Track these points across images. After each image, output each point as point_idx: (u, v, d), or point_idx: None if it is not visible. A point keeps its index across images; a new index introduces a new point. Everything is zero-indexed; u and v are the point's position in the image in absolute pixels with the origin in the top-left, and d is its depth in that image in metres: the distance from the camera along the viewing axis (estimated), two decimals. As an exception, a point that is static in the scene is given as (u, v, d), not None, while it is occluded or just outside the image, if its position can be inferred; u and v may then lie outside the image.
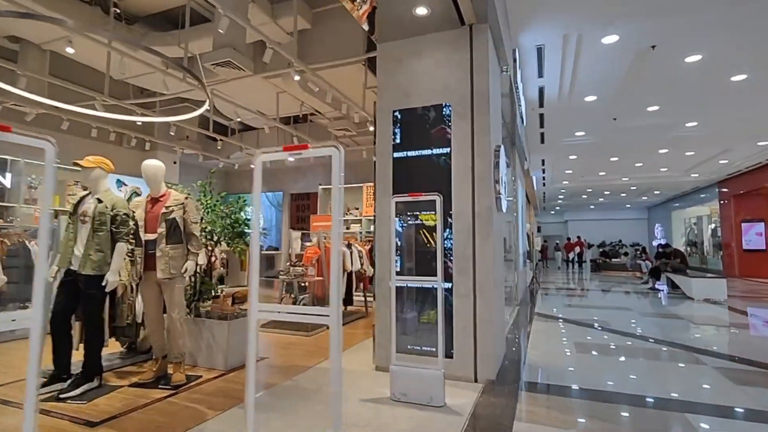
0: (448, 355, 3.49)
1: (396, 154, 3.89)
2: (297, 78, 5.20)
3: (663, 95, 7.49)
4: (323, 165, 11.14)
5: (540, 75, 6.55)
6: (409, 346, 3.58)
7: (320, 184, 9.66)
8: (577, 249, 24.55)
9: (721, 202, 16.28)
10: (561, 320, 6.43)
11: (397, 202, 3.57)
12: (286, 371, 3.77)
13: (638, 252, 16.46)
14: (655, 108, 8.12)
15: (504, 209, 3.96)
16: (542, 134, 9.78)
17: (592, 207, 26.32)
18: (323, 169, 11.31)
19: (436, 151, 3.76)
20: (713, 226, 17.81)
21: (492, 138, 3.70)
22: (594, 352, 4.55)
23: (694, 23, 5.16)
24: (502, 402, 2.99)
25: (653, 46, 5.72)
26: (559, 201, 23.52)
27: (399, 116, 3.93)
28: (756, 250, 14.56)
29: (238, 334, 3.92)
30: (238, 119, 8.94)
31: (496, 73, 4.29)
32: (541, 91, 7.19)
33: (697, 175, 15.02)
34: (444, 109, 3.77)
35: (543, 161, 12.74)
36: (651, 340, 5.08)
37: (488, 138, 3.63)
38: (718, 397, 3.25)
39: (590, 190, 19.28)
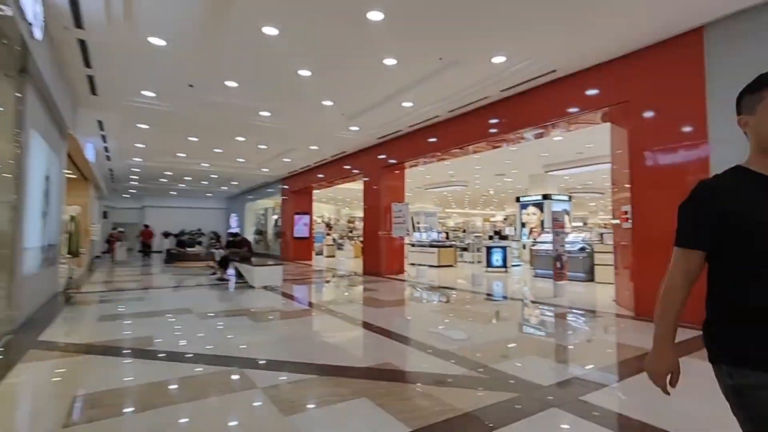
0: None
1: None
2: None
3: (241, 70, 6.78)
4: None
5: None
6: None
7: None
8: (158, 239, 22.16)
9: (283, 197, 18.81)
10: (85, 350, 4.22)
11: None
12: None
13: (212, 240, 16.09)
14: (234, 84, 7.37)
15: None
16: (91, 79, 7.00)
17: (173, 193, 24.61)
18: None
19: None
20: (276, 217, 20.48)
21: None
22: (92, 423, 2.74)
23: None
24: None
25: (230, -9, 4.64)
26: (134, 183, 20.24)
27: None
28: (302, 237, 17.65)
29: None
30: None
31: None
32: (73, -7, 4.64)
33: (267, 170, 16.46)
34: None
35: (101, 124, 9.69)
36: (200, 366, 3.86)
37: None
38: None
39: (170, 173, 17.48)
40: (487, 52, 6.09)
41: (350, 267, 14.75)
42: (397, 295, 8.30)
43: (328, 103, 8.41)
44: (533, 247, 11.25)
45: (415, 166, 12.10)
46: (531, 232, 16.10)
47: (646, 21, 5.14)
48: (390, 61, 6.44)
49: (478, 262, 16.25)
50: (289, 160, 14.42)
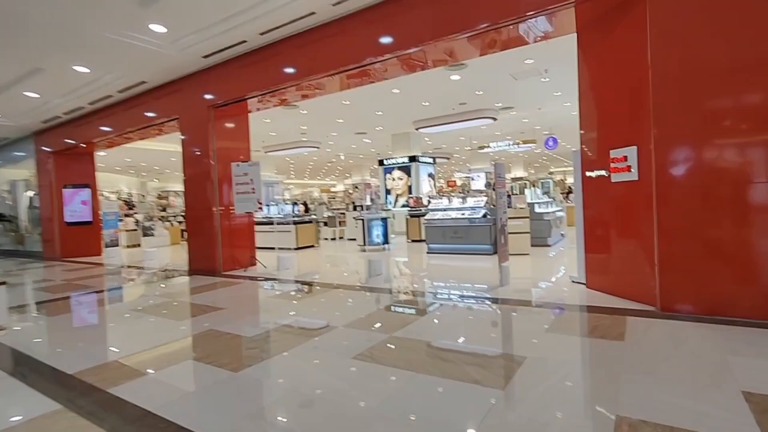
0: None
1: None
2: None
3: None
4: None
5: None
6: None
7: None
8: None
9: (41, 162, 12.13)
10: None
11: None
12: None
13: None
14: None
15: None
16: None
17: None
18: None
19: None
20: (31, 194, 13.39)
21: None
22: None
23: None
24: None
25: None
26: None
27: None
28: (82, 222, 11.68)
29: None
30: None
31: None
32: None
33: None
34: None
35: None
36: None
37: None
38: None
39: None
40: None
41: (167, 261, 10.10)
42: (265, 320, 4.81)
43: (93, -57, 4.01)
44: (426, 218, 9.03)
45: (249, 111, 8.34)
46: (397, 198, 14.15)
47: None
48: None
49: (340, 238, 13.56)
50: (38, 96, 8.57)
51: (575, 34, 4.89)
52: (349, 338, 3.59)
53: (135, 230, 14.36)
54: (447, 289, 5.50)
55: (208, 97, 7.76)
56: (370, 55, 5.68)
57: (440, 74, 8.13)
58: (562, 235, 10.12)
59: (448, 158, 23.05)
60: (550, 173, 29.08)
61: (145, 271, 8.77)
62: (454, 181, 30.68)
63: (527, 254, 7.78)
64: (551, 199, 10.61)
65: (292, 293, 5.78)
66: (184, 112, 8.23)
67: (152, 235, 14.15)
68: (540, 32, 4.99)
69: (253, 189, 7.72)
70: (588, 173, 4.71)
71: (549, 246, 8.77)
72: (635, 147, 4.06)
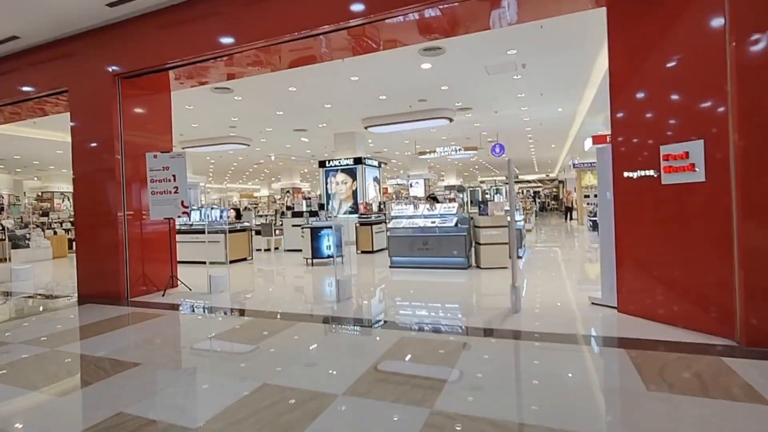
0: None
1: None
2: None
3: None
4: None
5: None
6: None
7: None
8: None
9: None
10: None
11: None
12: None
13: None
14: None
15: None
16: None
17: None
18: None
19: None
20: None
21: None
22: None
23: None
24: None
25: None
26: None
27: None
28: None
29: None
30: None
31: None
32: None
33: None
34: None
35: None
36: None
37: None
38: None
39: None
40: None
41: (47, 281, 7.66)
42: (212, 386, 3.24)
43: None
44: (389, 226, 7.84)
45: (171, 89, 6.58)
46: (341, 204, 12.80)
47: None
48: None
49: (276, 248, 11.82)
50: None
51: (596, 10, 4.10)
52: (364, 421, 2.24)
53: (1, 240, 11.14)
54: (453, 319, 4.35)
55: (112, 68, 5.81)
56: (338, 19, 4.41)
57: (410, 61, 7.06)
58: (523, 245, 9.59)
59: (385, 163, 22.18)
60: (482, 182, 29.72)
61: (11, 297, 6.38)
62: (386, 188, 29.94)
63: (506, 268, 6.97)
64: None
65: (240, 331, 4.20)
66: (76, 83, 6.12)
67: (26, 246, 11.08)
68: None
69: (176, 188, 5.92)
70: (627, 173, 3.90)
71: (520, 258, 8.09)
72: (702, 141, 3.30)
